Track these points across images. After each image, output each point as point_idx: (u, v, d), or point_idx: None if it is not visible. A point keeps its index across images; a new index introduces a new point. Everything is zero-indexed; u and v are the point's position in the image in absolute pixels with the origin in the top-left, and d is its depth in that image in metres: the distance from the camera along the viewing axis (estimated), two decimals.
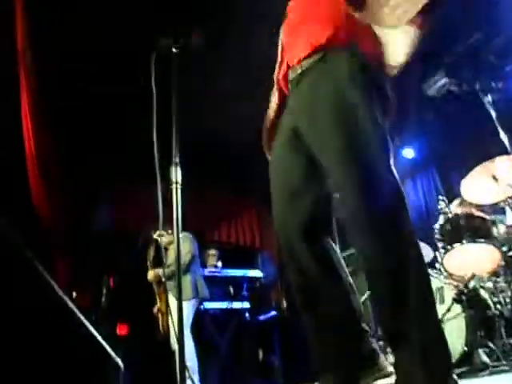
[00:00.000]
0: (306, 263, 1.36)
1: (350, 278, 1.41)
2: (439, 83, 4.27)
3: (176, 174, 1.52)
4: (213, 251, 5.13)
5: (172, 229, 1.56)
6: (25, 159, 3.18)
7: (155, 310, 4.22)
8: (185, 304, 3.70)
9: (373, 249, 1.20)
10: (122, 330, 4.43)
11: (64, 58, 3.88)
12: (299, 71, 1.46)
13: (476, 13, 4.43)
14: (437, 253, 3.22)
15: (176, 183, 1.50)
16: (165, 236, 4.03)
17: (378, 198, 1.17)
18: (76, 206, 4.27)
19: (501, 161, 3.20)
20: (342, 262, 1.43)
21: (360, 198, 1.21)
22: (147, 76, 1.69)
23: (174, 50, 1.99)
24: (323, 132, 1.32)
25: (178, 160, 1.54)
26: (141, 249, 4.40)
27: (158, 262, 4.20)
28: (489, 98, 3.04)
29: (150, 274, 4.16)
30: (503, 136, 2.94)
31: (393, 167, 1.25)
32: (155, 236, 4.15)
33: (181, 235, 4.28)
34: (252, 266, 5.29)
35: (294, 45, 1.50)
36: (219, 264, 5.03)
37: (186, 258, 4.08)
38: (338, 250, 1.43)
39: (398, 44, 1.35)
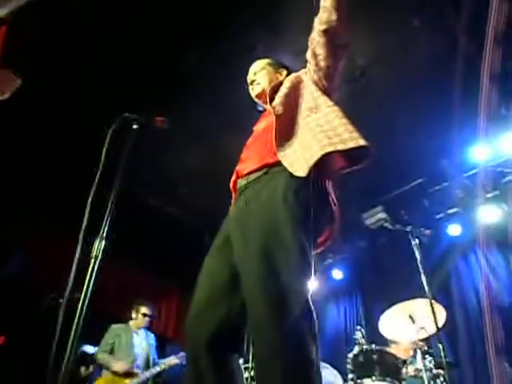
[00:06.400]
0: (206, 373, 1.28)
1: None
2: (377, 216, 4.55)
3: (99, 248, 1.44)
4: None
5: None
6: None
7: None
8: None
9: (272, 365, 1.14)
10: None
11: None
12: (245, 182, 1.54)
13: (421, 162, 4.92)
14: None
15: (96, 258, 1.42)
16: None
17: (286, 322, 1.14)
18: None
19: (419, 303, 3.33)
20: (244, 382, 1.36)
21: (268, 319, 1.17)
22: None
23: (134, 125, 2.02)
24: (248, 245, 1.34)
25: (105, 234, 1.47)
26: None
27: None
28: (416, 241, 3.25)
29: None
30: (424, 279, 3.09)
31: (307, 292, 1.23)
32: None
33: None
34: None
35: (248, 158, 1.61)
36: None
37: None
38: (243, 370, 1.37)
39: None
